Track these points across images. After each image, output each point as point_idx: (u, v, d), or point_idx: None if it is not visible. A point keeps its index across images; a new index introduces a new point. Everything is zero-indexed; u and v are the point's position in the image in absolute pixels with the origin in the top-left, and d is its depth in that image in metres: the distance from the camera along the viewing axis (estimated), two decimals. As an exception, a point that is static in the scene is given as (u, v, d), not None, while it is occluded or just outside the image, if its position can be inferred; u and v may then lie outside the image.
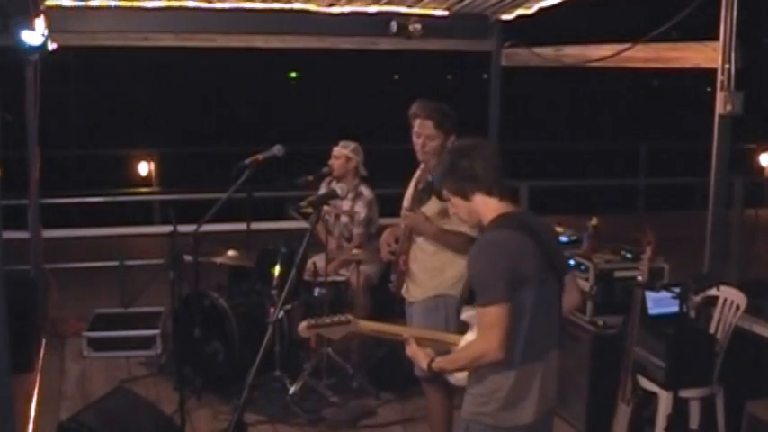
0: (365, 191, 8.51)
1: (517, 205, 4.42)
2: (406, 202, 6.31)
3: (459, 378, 4.44)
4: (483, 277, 4.09)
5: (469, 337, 4.42)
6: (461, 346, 4.39)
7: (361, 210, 8.45)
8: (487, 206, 4.32)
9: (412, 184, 6.30)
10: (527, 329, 4.13)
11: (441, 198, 4.89)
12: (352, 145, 8.53)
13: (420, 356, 4.43)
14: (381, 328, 4.71)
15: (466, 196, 4.34)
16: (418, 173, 6.29)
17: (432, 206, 5.96)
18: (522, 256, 4.09)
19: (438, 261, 6.04)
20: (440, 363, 4.35)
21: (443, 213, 5.89)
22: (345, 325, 4.56)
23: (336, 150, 8.49)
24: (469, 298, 4.42)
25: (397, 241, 6.28)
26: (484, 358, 4.11)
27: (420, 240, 6.07)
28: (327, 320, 4.56)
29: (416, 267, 6.17)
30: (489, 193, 4.30)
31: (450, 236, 5.90)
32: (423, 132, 6.08)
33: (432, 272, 6.09)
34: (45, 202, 10.02)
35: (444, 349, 4.52)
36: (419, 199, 6.05)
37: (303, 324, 4.55)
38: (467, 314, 4.47)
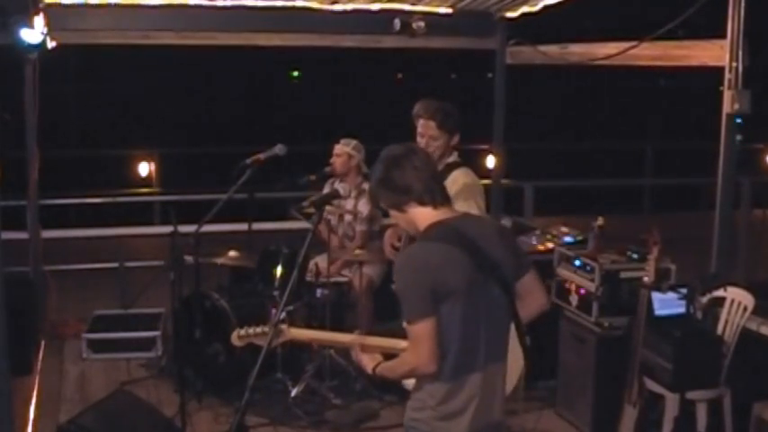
0: (368, 187, 8.51)
1: (455, 210, 4.30)
2: None
3: (409, 383, 4.41)
4: (405, 293, 4.04)
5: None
6: (397, 358, 4.30)
7: (364, 207, 8.46)
8: (422, 215, 4.20)
9: None
10: (458, 341, 4.04)
11: (377, 207, 4.86)
12: (353, 142, 8.55)
13: (365, 361, 4.40)
14: (317, 336, 4.72)
15: (400, 208, 4.24)
16: None
17: None
18: (445, 268, 3.99)
19: None
20: (381, 369, 4.34)
21: None
22: (279, 334, 4.56)
23: (337, 148, 8.50)
24: None
25: (400, 240, 6.28)
26: (416, 371, 4.10)
27: None
28: (259, 330, 4.55)
29: None
30: (422, 203, 4.19)
31: None
32: (426, 133, 6.10)
33: None
34: (44, 203, 10.02)
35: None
36: None
37: (234, 334, 4.58)
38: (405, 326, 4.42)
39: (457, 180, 6.00)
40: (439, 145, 6.08)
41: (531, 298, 4.35)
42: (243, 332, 4.55)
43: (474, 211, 5.84)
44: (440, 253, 4.02)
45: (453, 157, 6.18)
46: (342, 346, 4.57)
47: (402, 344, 4.35)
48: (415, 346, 4.04)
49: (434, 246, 4.05)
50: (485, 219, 4.56)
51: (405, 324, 4.06)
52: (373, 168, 4.33)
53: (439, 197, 4.20)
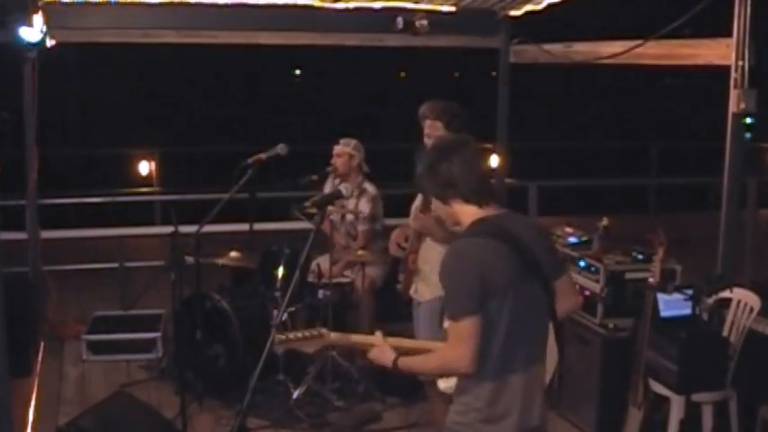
0: (369, 187, 8.52)
1: (499, 207, 4.26)
2: (417, 202, 6.31)
3: (448, 386, 4.33)
4: (452, 289, 4.01)
5: None
6: (431, 353, 4.27)
7: (365, 206, 8.46)
8: (466, 212, 4.19)
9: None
10: (502, 341, 3.99)
11: (424, 195, 4.83)
12: (353, 142, 8.54)
13: (381, 355, 4.35)
14: (356, 340, 4.65)
15: (444, 201, 4.23)
16: None
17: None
18: (493, 265, 3.96)
19: None
20: (407, 362, 4.27)
21: (453, 215, 5.90)
22: (318, 339, 4.48)
23: (338, 149, 8.50)
24: None
25: (407, 240, 6.28)
26: (454, 370, 4.05)
27: (430, 240, 6.07)
28: (300, 335, 4.47)
29: (428, 268, 6.17)
30: (467, 201, 4.18)
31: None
32: (432, 133, 6.09)
33: None
34: (43, 203, 10.02)
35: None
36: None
37: (277, 339, 4.46)
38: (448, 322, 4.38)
39: None
40: None
41: (567, 298, 4.34)
42: (284, 337, 4.45)
43: None
44: (488, 248, 4.00)
45: None
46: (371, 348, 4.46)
47: (428, 345, 4.39)
48: (457, 344, 3.97)
49: (482, 241, 4.02)
50: (525, 217, 4.49)
51: (447, 320, 4.01)
52: (422, 156, 4.32)
53: (486, 196, 4.19)
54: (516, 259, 4.00)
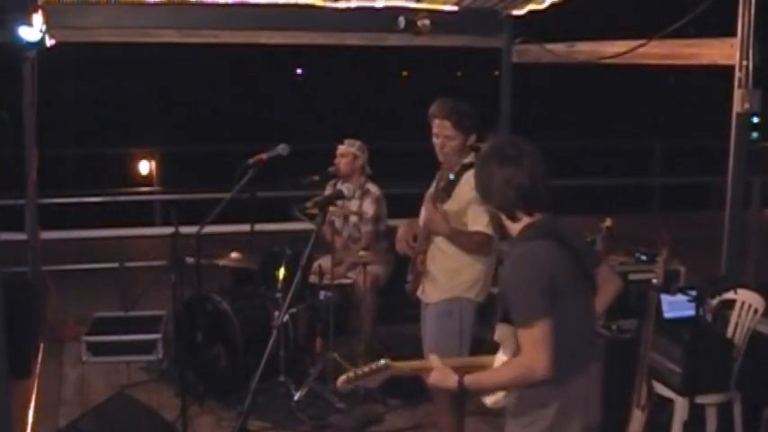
0: (372, 188, 8.52)
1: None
2: (431, 190, 6.28)
3: (495, 401, 4.23)
4: (522, 294, 3.91)
5: (502, 357, 4.22)
6: (501, 365, 4.14)
7: (369, 207, 8.46)
8: (521, 222, 4.14)
9: (434, 183, 6.29)
10: (568, 342, 3.95)
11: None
12: (358, 143, 8.55)
13: (445, 375, 4.17)
14: (418, 366, 4.56)
15: (513, 216, 4.14)
16: (440, 172, 6.28)
17: (450, 206, 5.96)
18: (557, 267, 3.93)
19: (456, 263, 6.05)
20: (474, 379, 4.11)
21: (461, 215, 5.92)
22: (383, 371, 4.35)
23: (342, 149, 8.50)
24: (503, 316, 4.15)
25: (415, 239, 6.27)
26: (531, 378, 3.92)
27: (439, 240, 6.06)
28: (366, 369, 4.32)
29: (435, 268, 6.16)
30: (530, 215, 4.12)
31: (464, 236, 5.92)
32: (441, 133, 6.06)
33: (449, 273, 6.09)
34: (43, 203, 10.02)
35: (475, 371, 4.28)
36: (440, 198, 6.03)
37: (342, 379, 4.29)
38: (500, 333, 4.21)
39: (472, 182, 5.97)
40: (455, 145, 6.04)
41: (609, 284, 4.35)
42: (352, 374, 4.31)
43: (485, 218, 5.84)
44: (550, 250, 3.97)
45: (470, 158, 6.13)
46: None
47: (485, 360, 4.29)
48: (533, 349, 3.88)
49: (544, 243, 3.99)
50: (568, 220, 4.45)
51: (519, 326, 3.93)
52: (484, 167, 4.20)
53: (546, 204, 4.15)
54: (570, 259, 4.00)
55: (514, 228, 4.16)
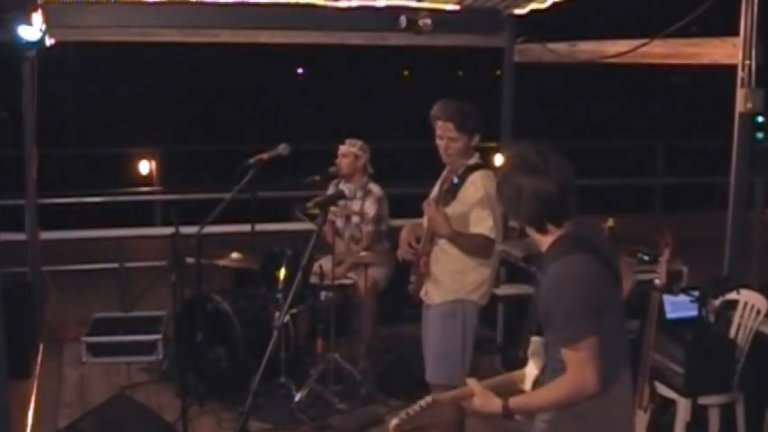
0: (374, 188, 8.51)
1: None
2: (434, 192, 6.27)
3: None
4: (568, 312, 3.84)
5: (532, 370, 4.20)
6: (549, 384, 4.03)
7: (371, 207, 8.46)
8: (551, 234, 4.03)
9: (438, 184, 6.29)
10: (608, 354, 3.89)
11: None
12: (359, 143, 8.54)
13: (488, 400, 4.06)
14: (459, 394, 4.48)
15: (542, 229, 4.02)
16: (444, 173, 6.27)
17: (455, 208, 5.96)
18: (598, 280, 3.88)
19: (461, 265, 6.05)
20: (520, 402, 4.04)
21: (465, 217, 5.92)
22: (432, 406, 4.28)
23: (343, 149, 8.49)
24: (537, 328, 4.12)
25: (418, 241, 6.26)
26: (582, 396, 3.87)
27: (442, 242, 6.06)
28: (417, 408, 4.25)
29: (438, 269, 6.16)
30: (559, 226, 4.01)
31: (465, 238, 5.91)
32: (444, 135, 6.04)
33: (453, 275, 6.09)
34: (43, 203, 10.03)
35: (511, 388, 4.22)
36: (443, 200, 6.03)
37: (394, 423, 4.26)
38: (533, 347, 4.20)
39: (477, 184, 5.95)
40: (459, 147, 6.02)
41: (625, 281, 4.27)
42: (404, 416, 4.25)
43: (489, 222, 5.84)
44: (590, 265, 3.88)
45: (475, 159, 6.13)
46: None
47: (515, 375, 4.26)
48: (581, 368, 3.83)
49: (581, 257, 3.89)
50: (590, 220, 4.34)
51: (566, 344, 3.86)
52: (508, 179, 4.03)
53: (573, 213, 4.02)
54: (606, 270, 3.94)
55: (544, 241, 4.05)
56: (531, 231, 4.09)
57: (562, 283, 3.88)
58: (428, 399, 4.26)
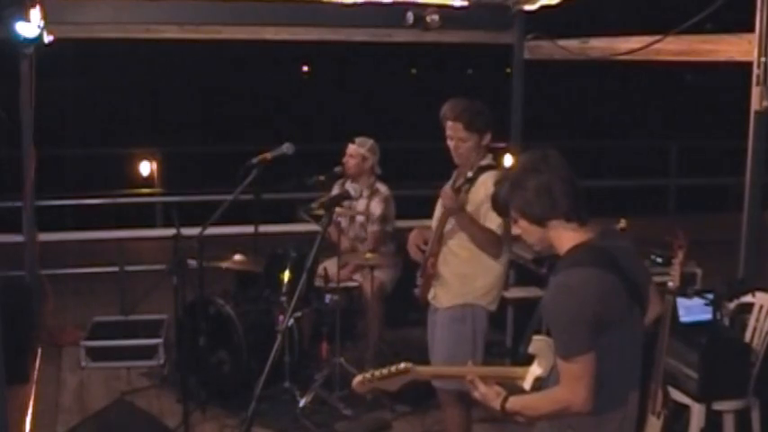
0: (381, 187, 8.50)
1: (594, 228, 4.06)
2: (449, 183, 6.26)
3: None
4: (565, 327, 3.84)
5: (536, 370, 4.21)
6: (544, 392, 4.09)
7: (377, 207, 8.45)
8: (565, 235, 4.01)
9: (449, 183, 6.28)
10: (609, 374, 3.90)
11: (503, 215, 4.67)
12: (369, 143, 8.51)
13: (491, 395, 4.10)
14: (442, 372, 4.48)
15: (542, 223, 4.02)
16: (454, 175, 6.28)
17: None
18: (607, 298, 3.85)
19: (470, 268, 6.06)
20: (516, 405, 4.06)
21: (475, 216, 5.95)
22: (403, 374, 4.33)
23: (352, 149, 8.46)
24: (538, 327, 4.18)
25: (426, 243, 6.27)
26: (568, 411, 3.89)
27: (452, 244, 6.07)
28: (385, 372, 4.29)
29: (447, 272, 6.17)
30: (568, 220, 3.99)
31: (477, 228, 5.90)
32: (454, 135, 6.05)
33: (462, 278, 6.10)
34: (41, 204, 10.05)
35: (509, 384, 4.23)
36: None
37: (357, 379, 4.32)
38: (535, 345, 4.20)
39: (487, 185, 5.92)
40: (469, 146, 6.03)
41: (652, 306, 4.32)
42: (369, 375, 4.29)
43: (497, 221, 5.84)
44: (600, 281, 3.85)
45: (487, 160, 6.13)
46: (460, 379, 4.29)
47: (516, 372, 4.26)
48: (572, 384, 3.85)
49: (593, 272, 3.87)
50: (619, 233, 4.38)
51: (560, 358, 3.88)
52: (506, 177, 4.12)
53: (585, 213, 4.03)
54: (625, 289, 3.91)
55: (562, 245, 4.05)
56: (548, 234, 4.06)
57: (565, 296, 3.88)
58: (403, 365, 4.29)
